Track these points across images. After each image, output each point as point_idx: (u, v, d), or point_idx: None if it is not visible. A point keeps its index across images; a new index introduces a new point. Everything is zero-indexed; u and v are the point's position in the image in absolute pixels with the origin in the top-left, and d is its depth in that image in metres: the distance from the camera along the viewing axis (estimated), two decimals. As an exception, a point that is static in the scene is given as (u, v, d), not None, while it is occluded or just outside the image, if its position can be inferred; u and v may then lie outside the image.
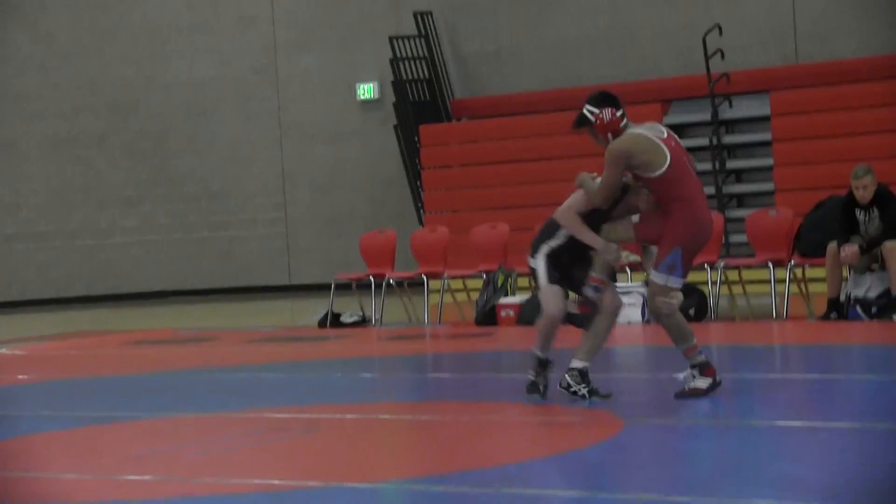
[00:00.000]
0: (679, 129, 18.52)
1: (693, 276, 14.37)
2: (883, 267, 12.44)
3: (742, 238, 15.72)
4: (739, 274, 14.17)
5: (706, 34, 17.79)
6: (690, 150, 19.17)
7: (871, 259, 12.48)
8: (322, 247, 21.68)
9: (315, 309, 15.33)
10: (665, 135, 7.64)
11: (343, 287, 15.00)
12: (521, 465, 5.92)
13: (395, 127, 20.43)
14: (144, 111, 22.37)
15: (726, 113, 18.16)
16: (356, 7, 21.56)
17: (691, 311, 13.08)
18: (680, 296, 7.56)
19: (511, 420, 7.29)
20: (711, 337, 11.95)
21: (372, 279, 14.89)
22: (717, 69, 17.82)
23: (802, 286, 13.61)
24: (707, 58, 17.69)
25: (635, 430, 6.74)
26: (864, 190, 12.51)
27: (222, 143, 22.42)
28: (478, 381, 9.43)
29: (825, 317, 12.47)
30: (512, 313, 13.97)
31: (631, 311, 13.42)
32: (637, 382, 9.09)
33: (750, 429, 6.60)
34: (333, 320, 14.67)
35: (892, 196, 12.59)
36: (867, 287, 12.57)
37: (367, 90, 21.56)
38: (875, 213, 12.57)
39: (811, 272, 13.62)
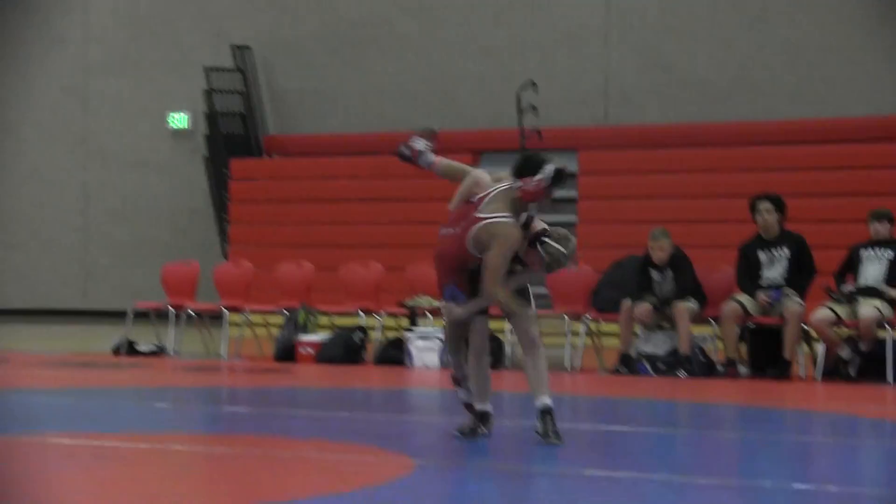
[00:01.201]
0: (487, 181, 18.79)
1: (493, 325, 14.62)
2: (673, 326, 12.83)
3: (541, 289, 16.01)
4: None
5: (520, 89, 18.12)
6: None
7: (662, 317, 12.87)
8: (121, 273, 21.43)
9: (110, 336, 15.14)
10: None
11: (141, 316, 14.86)
12: (310, 500, 5.97)
13: (206, 158, 20.34)
14: (-52, 125, 21.92)
15: (534, 168, 18.46)
16: (173, 34, 21.45)
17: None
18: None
19: (303, 456, 7.33)
20: (505, 384, 12.15)
21: (171, 309, 14.77)
22: (530, 124, 18.16)
23: (596, 339, 13.94)
24: (520, 112, 18.02)
25: (426, 471, 6.85)
26: (660, 251, 12.91)
27: (24, 162, 22.05)
28: (273, 416, 9.44)
29: (615, 370, 12.80)
30: (311, 351, 14.02)
31: (428, 356, 13.58)
32: (429, 426, 9.21)
33: (535, 475, 6.75)
34: (129, 348, 14.52)
35: (685, 259, 13.01)
36: (657, 344, 12.95)
37: (179, 120, 21.43)
38: (669, 273, 12.96)
39: (605, 327, 13.95)
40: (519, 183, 7.65)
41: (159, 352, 14.65)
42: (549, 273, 7.71)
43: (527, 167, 7.68)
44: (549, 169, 7.56)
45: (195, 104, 20.86)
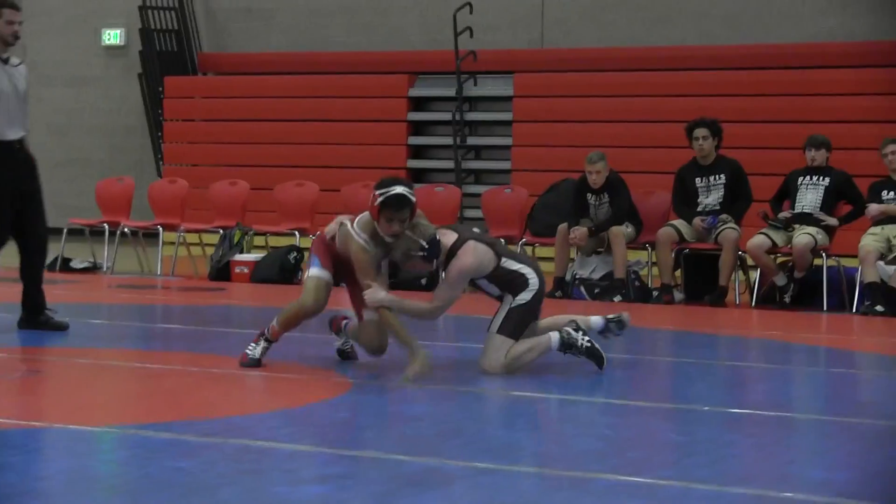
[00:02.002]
0: (424, 103, 18.76)
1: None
2: (608, 250, 12.88)
3: (477, 213, 16.03)
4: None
5: (457, 11, 18.03)
6: (434, 123, 19.48)
7: (598, 242, 12.91)
8: (55, 190, 21.13)
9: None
10: None
11: (75, 233, 14.74)
12: (247, 417, 5.97)
13: (140, 76, 20.10)
14: None
15: (471, 90, 18.44)
16: (106, -52, 21.11)
17: (423, 281, 13.28)
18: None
19: (239, 373, 7.31)
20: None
21: (106, 226, 14.67)
22: (465, 47, 18.09)
23: (532, 264, 13.95)
24: (456, 34, 17.94)
25: (361, 390, 6.85)
26: (596, 175, 12.92)
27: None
28: (208, 333, 9.41)
29: (550, 294, 12.83)
30: (246, 270, 13.97)
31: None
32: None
33: (471, 395, 6.78)
34: (63, 265, 14.41)
35: (622, 183, 13.03)
36: (592, 269, 13.00)
37: (112, 35, 21.14)
38: (605, 198, 12.99)
39: (541, 251, 13.97)
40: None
41: (94, 269, 14.54)
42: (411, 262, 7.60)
43: (378, 185, 7.37)
44: (390, 190, 7.25)
45: (130, 20, 20.57)
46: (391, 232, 7.34)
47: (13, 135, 8.85)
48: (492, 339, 7.48)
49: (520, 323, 7.49)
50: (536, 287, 7.47)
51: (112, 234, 14.66)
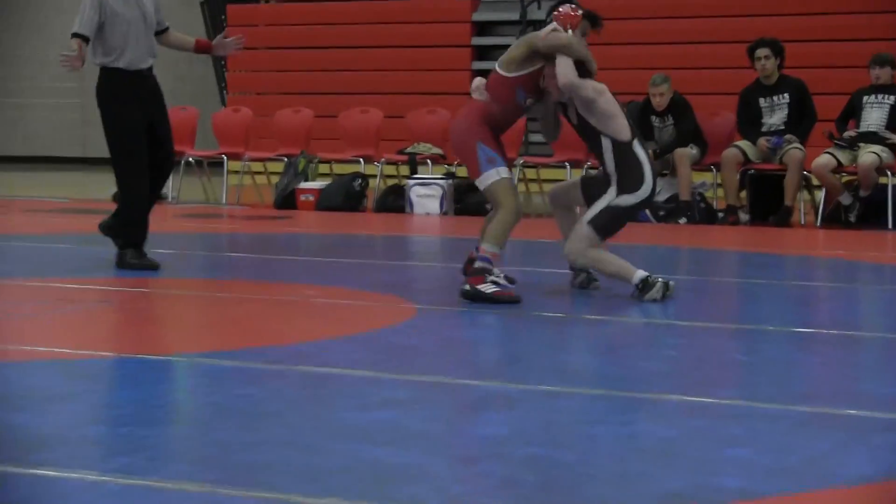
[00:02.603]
0: (488, 27, 18.68)
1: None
2: (673, 173, 12.82)
3: (542, 137, 15.96)
4: (537, 172, 14.44)
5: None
6: (498, 48, 19.40)
7: (663, 164, 12.85)
8: (120, 122, 21.33)
9: (110, 183, 15.13)
10: None
11: (141, 163, 14.82)
12: (313, 343, 6.02)
13: (202, 4, 20.14)
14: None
15: (535, 13, 18.32)
16: None
17: (489, 206, 13.28)
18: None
19: (306, 301, 7.37)
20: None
21: (225, 157, 14.76)
22: (527, -31, 17.95)
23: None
24: (518, -43, 17.81)
25: (427, 316, 6.89)
26: (660, 97, 12.85)
27: (28, 14, 21.82)
28: (274, 262, 9.48)
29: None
30: (311, 198, 14.04)
31: (429, 203, 13.60)
32: (431, 271, 9.25)
33: (535, 319, 6.80)
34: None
35: (686, 105, 12.96)
36: (657, 191, 12.93)
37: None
38: (670, 120, 12.93)
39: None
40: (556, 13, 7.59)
41: (160, 198, 14.63)
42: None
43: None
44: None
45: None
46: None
47: (144, 64, 8.66)
48: (581, 226, 7.38)
49: (613, 222, 7.38)
50: (645, 195, 7.33)
51: (177, 163, 14.74)
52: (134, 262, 8.62)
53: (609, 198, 7.36)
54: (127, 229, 8.72)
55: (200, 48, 9.20)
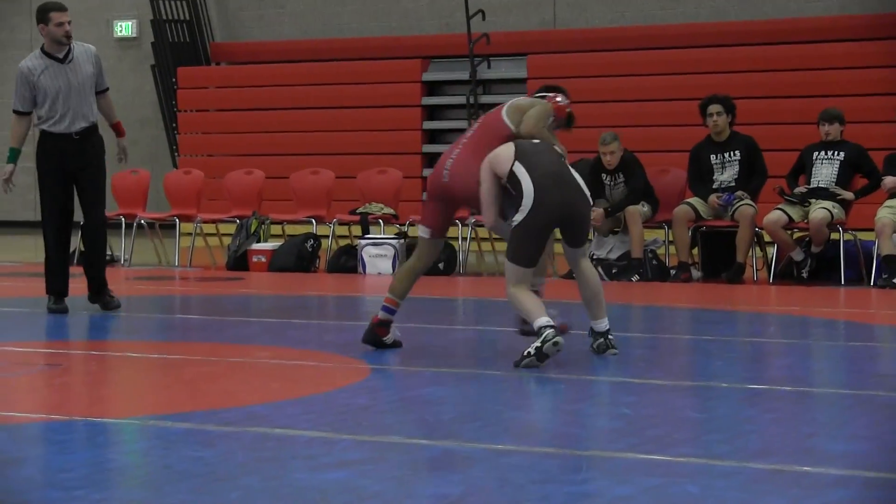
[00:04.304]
0: (438, 87, 18.77)
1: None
2: (625, 230, 12.87)
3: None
4: (489, 231, 14.45)
5: (469, -6, 18.03)
6: (448, 107, 19.43)
7: (614, 222, 12.91)
8: (72, 184, 21.25)
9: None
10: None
11: (92, 226, 14.75)
12: (267, 405, 5.98)
13: (153, 67, 20.13)
14: None
15: (485, 73, 18.44)
16: (117, -59, 21.12)
17: (441, 265, 13.31)
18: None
19: (259, 363, 7.34)
20: (459, 290, 12.19)
21: (123, 219, 14.70)
22: (478, 29, 18.08)
23: (549, 245, 13.96)
24: (468, 17, 17.93)
25: (380, 375, 6.87)
26: (610, 156, 12.91)
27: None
28: (227, 324, 9.44)
29: (566, 276, 12.83)
30: (264, 259, 14.00)
31: (380, 263, 13.59)
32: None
33: (491, 378, 6.78)
34: (81, 258, 14.41)
35: (637, 162, 13.03)
36: (609, 249, 13.00)
37: (124, 27, 21.17)
38: (621, 178, 12.99)
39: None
40: (549, 95, 7.82)
41: (111, 261, 14.57)
42: None
43: (549, 89, 7.90)
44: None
45: (141, 11, 20.60)
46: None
47: (74, 127, 9.41)
48: (506, 263, 7.27)
49: (519, 246, 7.15)
50: (528, 209, 7.08)
51: (129, 226, 14.69)
52: (51, 307, 9.48)
53: (511, 223, 7.22)
54: (46, 277, 9.56)
55: (115, 129, 9.92)
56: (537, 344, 6.90)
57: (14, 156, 9.59)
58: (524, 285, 7.16)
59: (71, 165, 9.41)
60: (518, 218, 7.14)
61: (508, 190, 7.22)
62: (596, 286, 7.41)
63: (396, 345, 7.57)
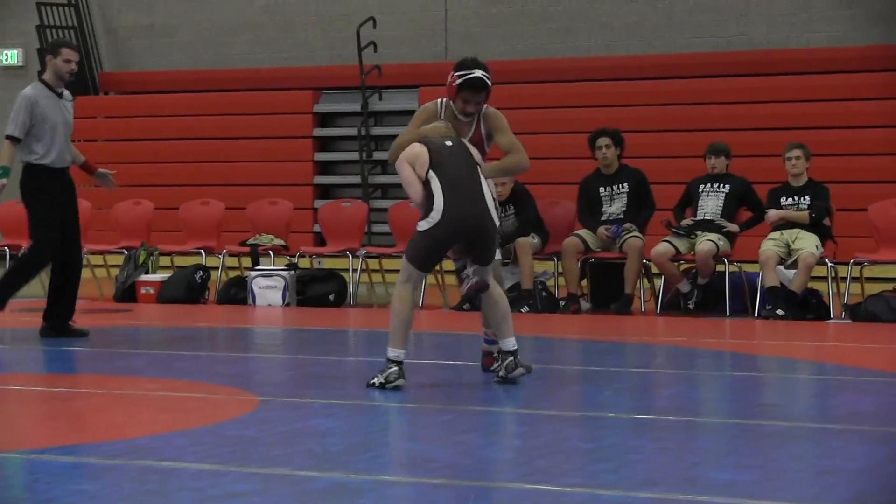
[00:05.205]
0: (329, 118, 18.76)
1: (335, 263, 14.64)
2: (515, 262, 12.94)
3: (385, 228, 16.04)
4: (380, 262, 14.47)
5: (360, 25, 18.04)
6: (340, 139, 19.46)
7: (504, 253, 12.96)
8: (-44, 215, 20.89)
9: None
10: None
11: (-24, 256, 14.54)
12: (154, 437, 5.92)
13: (42, 95, 19.87)
14: None
15: (376, 105, 18.47)
16: (3, -32, 20.87)
17: (331, 297, 13.28)
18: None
19: (146, 395, 7.26)
20: (350, 322, 12.18)
21: (7, 249, 14.50)
22: (370, 61, 18.11)
23: (439, 277, 14.01)
24: (360, 49, 17.95)
25: (269, 407, 6.83)
26: (501, 187, 12.98)
27: None
28: (115, 355, 9.33)
29: (457, 307, 12.88)
30: (152, 291, 13.88)
31: (270, 295, 13.53)
32: (273, 363, 9.18)
33: (380, 409, 6.78)
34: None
35: (527, 195, 13.12)
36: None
37: (10, 56, 20.90)
38: (511, 209, 13.06)
39: (448, 264, 14.00)
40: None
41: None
42: None
43: (457, 65, 7.72)
44: (470, 73, 7.62)
45: (27, 39, 20.36)
46: (466, 111, 7.63)
47: (63, 163, 9.94)
48: (403, 258, 7.42)
49: (416, 249, 7.34)
50: (436, 220, 7.25)
51: (13, 257, 14.48)
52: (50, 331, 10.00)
53: (417, 227, 7.38)
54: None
55: (86, 167, 10.46)
56: (381, 380, 7.21)
57: (6, 173, 9.79)
58: (410, 286, 7.33)
59: (63, 204, 9.88)
60: (423, 226, 7.30)
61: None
62: (505, 307, 7.57)
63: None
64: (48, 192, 9.84)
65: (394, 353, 7.25)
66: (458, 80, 7.60)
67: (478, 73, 7.63)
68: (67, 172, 10.04)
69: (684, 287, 12.65)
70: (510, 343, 7.53)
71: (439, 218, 7.25)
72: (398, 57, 18.67)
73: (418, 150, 7.42)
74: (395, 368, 7.19)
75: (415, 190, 7.37)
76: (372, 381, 7.21)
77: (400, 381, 7.17)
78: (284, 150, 18.48)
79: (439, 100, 7.83)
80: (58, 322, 10.02)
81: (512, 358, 7.50)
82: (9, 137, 9.82)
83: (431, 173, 7.32)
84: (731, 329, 11.61)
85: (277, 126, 18.61)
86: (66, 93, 10.13)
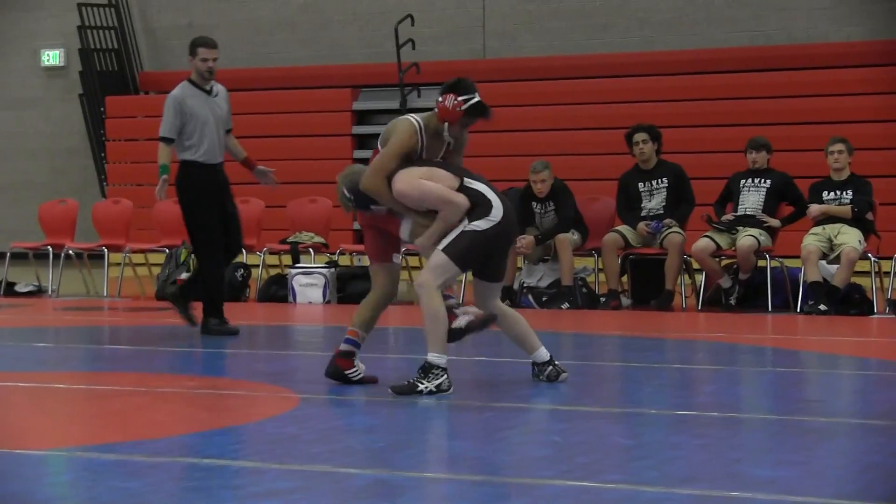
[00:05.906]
0: (368, 116, 18.78)
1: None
2: (555, 258, 12.93)
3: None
4: (420, 259, 14.47)
5: (398, 23, 18.05)
6: (378, 137, 19.45)
7: (544, 250, 12.96)
8: (-1, 214, 21.06)
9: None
10: None
11: (19, 256, 14.65)
12: (196, 435, 5.95)
13: (81, 96, 19.99)
14: None
15: (415, 102, 18.46)
16: (44, -30, 20.98)
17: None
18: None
19: (188, 393, 7.29)
20: (390, 319, 12.18)
21: (50, 249, 14.58)
22: (408, 59, 18.11)
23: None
24: (398, 46, 17.96)
25: (310, 405, 6.84)
26: (541, 184, 12.98)
27: None
28: (155, 353, 9.37)
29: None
30: (192, 289, 13.87)
31: (311, 292, 13.55)
32: (313, 360, 9.19)
33: (421, 407, 6.78)
34: (7, 289, 14.31)
35: (567, 191, 13.10)
36: (539, 277, 13.04)
37: (51, 56, 21.00)
38: (551, 206, 13.05)
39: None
40: (439, 98, 7.18)
41: (38, 292, 14.45)
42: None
43: (455, 88, 7.18)
44: (475, 97, 7.12)
45: (69, 40, 20.46)
46: (459, 134, 7.23)
47: (216, 159, 10.20)
48: (436, 254, 7.00)
49: (469, 249, 6.96)
50: (497, 220, 6.96)
51: (56, 256, 14.58)
52: (216, 328, 10.12)
53: (462, 226, 7.02)
54: (210, 302, 10.16)
55: (247, 163, 10.70)
56: (431, 387, 6.98)
57: (165, 170, 10.29)
58: (442, 291, 7.06)
59: (221, 197, 10.19)
60: (482, 225, 6.99)
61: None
62: (523, 321, 7.49)
63: (369, 380, 7.34)
64: (202, 189, 10.11)
65: (441, 358, 7.02)
66: (465, 106, 7.11)
67: (478, 98, 7.16)
68: (221, 168, 10.27)
69: (725, 283, 12.61)
70: (542, 354, 7.46)
71: (500, 217, 6.98)
72: (436, 54, 18.66)
73: (425, 168, 7.14)
74: (446, 377, 7.03)
75: (460, 198, 6.99)
76: (419, 389, 6.94)
77: (451, 390, 7.06)
78: (323, 148, 18.51)
79: (413, 118, 7.32)
80: (216, 313, 10.19)
81: (551, 367, 7.46)
82: (162, 139, 10.23)
83: (467, 179, 7.09)
84: (772, 325, 11.56)
85: (316, 124, 18.63)
86: (219, 88, 10.30)
